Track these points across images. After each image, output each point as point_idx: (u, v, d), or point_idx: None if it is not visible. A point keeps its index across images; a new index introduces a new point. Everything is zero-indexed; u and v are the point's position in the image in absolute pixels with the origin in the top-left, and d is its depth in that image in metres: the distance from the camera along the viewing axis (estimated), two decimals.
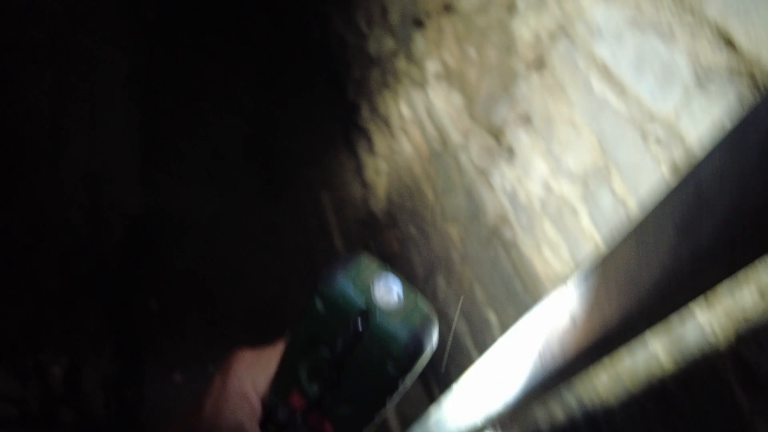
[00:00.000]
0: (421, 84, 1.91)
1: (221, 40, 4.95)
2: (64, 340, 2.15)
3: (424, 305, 0.61)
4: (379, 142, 2.92)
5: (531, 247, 1.28)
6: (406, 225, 2.51)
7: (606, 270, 0.50)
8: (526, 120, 1.16)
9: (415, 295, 0.62)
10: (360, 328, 0.59)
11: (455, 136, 1.62)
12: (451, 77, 1.62)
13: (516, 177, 1.26)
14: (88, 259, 2.42)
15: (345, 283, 0.60)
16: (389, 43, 2.33)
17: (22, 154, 2.17)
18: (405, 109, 2.13)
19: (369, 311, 0.59)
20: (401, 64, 2.14)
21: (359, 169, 3.46)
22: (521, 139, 1.18)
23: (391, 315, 0.59)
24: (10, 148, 2.10)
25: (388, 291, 0.62)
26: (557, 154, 1.02)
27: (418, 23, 1.84)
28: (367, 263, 0.63)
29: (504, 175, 1.32)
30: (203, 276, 3.22)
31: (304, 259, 3.56)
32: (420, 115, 1.93)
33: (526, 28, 1.05)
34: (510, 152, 1.29)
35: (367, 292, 0.61)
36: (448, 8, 1.50)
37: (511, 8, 1.15)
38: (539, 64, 1.05)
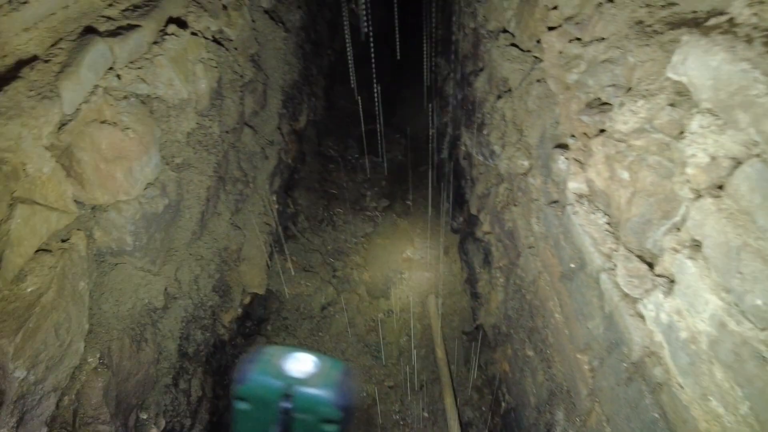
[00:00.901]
0: (559, 201, 1.89)
1: (358, 154, 5.43)
2: (167, 402, 2.22)
3: (336, 362, 0.66)
4: (499, 255, 2.87)
5: (691, 394, 1.11)
6: (522, 345, 2.35)
7: None
8: (694, 248, 1.06)
9: (325, 357, 0.66)
10: (289, 406, 0.62)
11: (596, 258, 1.54)
12: (596, 197, 1.58)
13: (676, 309, 1.14)
14: (205, 327, 2.56)
15: (258, 375, 0.64)
16: (522, 163, 2.38)
17: None
18: (536, 226, 2.09)
19: (290, 389, 0.62)
20: (536, 181, 2.15)
21: (472, 280, 3.39)
22: (686, 268, 1.08)
23: (311, 383, 0.63)
24: None
25: (301, 364, 0.66)
26: (738, 289, 0.91)
27: (562, 146, 1.87)
28: (272, 350, 0.69)
29: (660, 306, 1.20)
30: None
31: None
32: (553, 231, 1.88)
33: (700, 150, 1.01)
34: (669, 281, 1.18)
35: (282, 373, 0.65)
36: (602, 131, 1.51)
37: (681, 130, 1.12)
38: (715, 189, 0.98)
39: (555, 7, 2.05)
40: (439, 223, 4.51)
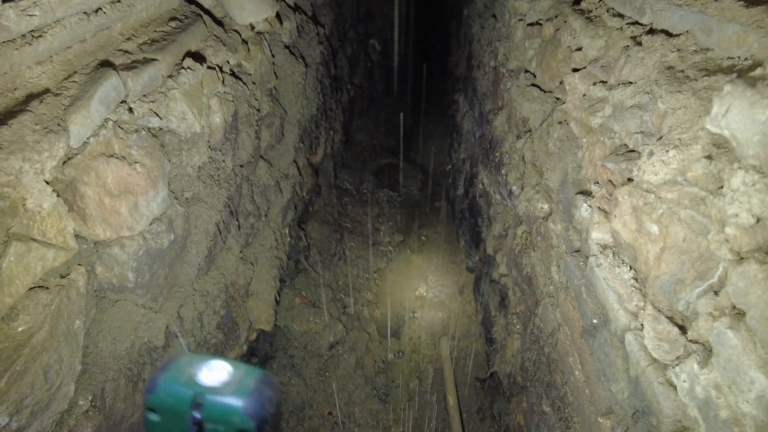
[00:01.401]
0: (581, 251, 1.78)
1: (374, 188, 5.39)
2: None
3: (252, 370, 0.65)
4: (516, 300, 2.75)
5: None
6: (539, 399, 2.20)
7: None
8: (736, 317, 0.96)
9: (242, 365, 0.65)
10: (199, 416, 0.60)
11: (621, 315, 1.42)
12: (622, 250, 1.47)
13: (714, 383, 1.02)
14: None
15: (169, 384, 0.62)
16: (542, 206, 2.29)
17: None
18: (556, 274, 1.98)
19: (201, 397, 0.60)
20: (556, 227, 2.05)
21: (487, 323, 3.26)
22: (727, 339, 0.97)
23: (223, 392, 0.61)
24: None
25: (215, 372, 0.64)
26: None
27: (585, 192, 1.78)
28: (185, 358, 0.66)
29: (694, 377, 1.08)
30: (310, 407, 3.10)
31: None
32: (575, 282, 1.77)
33: (744, 210, 0.91)
34: (705, 350, 1.06)
35: (194, 382, 0.62)
36: (629, 180, 1.42)
37: (719, 185, 1.03)
38: (763, 253, 0.88)
39: (579, 49, 2.00)
40: (455, 261, 4.40)
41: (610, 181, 1.59)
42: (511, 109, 3.01)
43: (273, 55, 3.05)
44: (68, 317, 1.44)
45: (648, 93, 1.41)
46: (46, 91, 1.42)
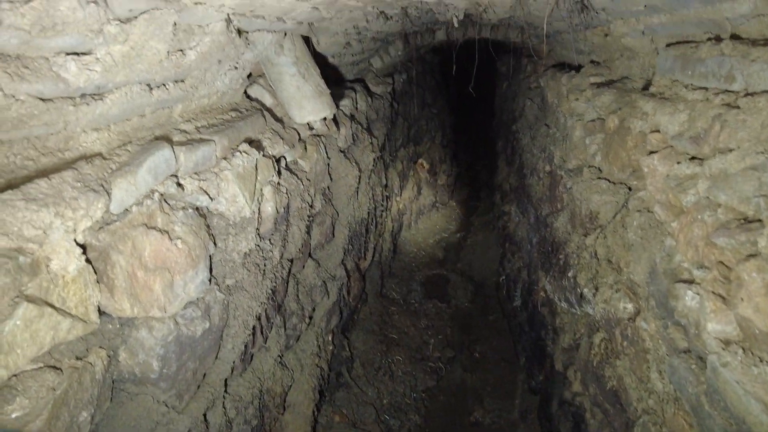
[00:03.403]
0: (691, 350, 1.45)
1: (421, 298, 5.14)
2: None
3: None
4: (596, 423, 2.29)
5: None
6: None
7: None
8: None
9: None
10: None
11: None
12: (756, 343, 1.15)
13: None
14: None
15: None
16: (625, 306, 1.97)
17: None
18: (658, 382, 1.61)
19: None
20: (649, 326, 1.72)
21: None
22: None
23: None
24: None
25: None
26: None
27: (686, 281, 1.49)
28: None
29: None
30: None
31: None
32: (688, 391, 1.40)
33: None
34: None
35: None
36: (751, 256, 1.16)
37: None
38: None
39: (656, 131, 1.85)
40: (514, 380, 3.91)
41: (721, 261, 1.32)
42: (574, 208, 2.82)
43: (328, 157, 3.08)
44: (74, 407, 1.23)
45: (763, 153, 1.20)
46: (98, 155, 1.37)
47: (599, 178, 2.48)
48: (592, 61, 3.25)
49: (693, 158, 1.59)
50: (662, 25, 1.95)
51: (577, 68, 3.55)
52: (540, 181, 3.90)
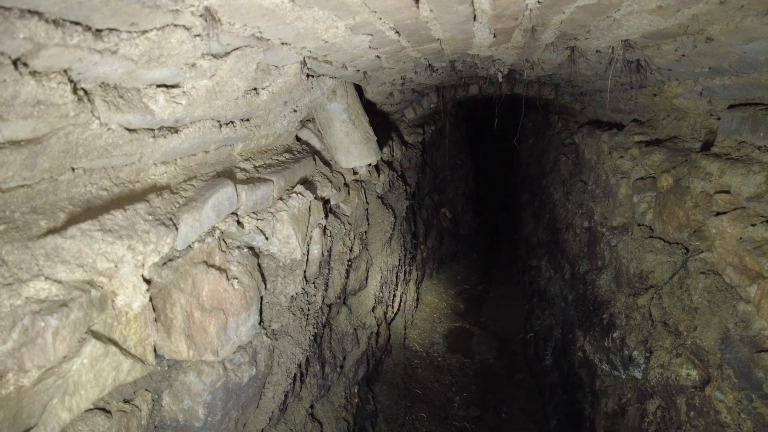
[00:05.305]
0: None
1: (445, 352, 4.97)
2: None
3: None
4: None
5: None
6: None
7: None
8: None
9: None
10: None
11: None
12: None
13: None
14: None
15: None
16: (689, 372, 1.85)
17: None
18: None
19: None
20: (726, 398, 1.60)
21: None
22: None
23: None
24: None
25: None
26: None
27: None
28: None
29: None
30: None
31: None
32: None
33: None
34: None
35: None
36: None
37: None
38: None
39: (724, 191, 1.79)
40: None
41: None
42: (620, 266, 2.73)
43: (367, 202, 3.05)
44: None
45: None
46: (166, 188, 1.34)
47: (651, 237, 2.40)
48: (634, 120, 3.25)
49: None
50: (725, 87, 1.93)
51: (615, 126, 3.54)
52: (576, 237, 3.83)
